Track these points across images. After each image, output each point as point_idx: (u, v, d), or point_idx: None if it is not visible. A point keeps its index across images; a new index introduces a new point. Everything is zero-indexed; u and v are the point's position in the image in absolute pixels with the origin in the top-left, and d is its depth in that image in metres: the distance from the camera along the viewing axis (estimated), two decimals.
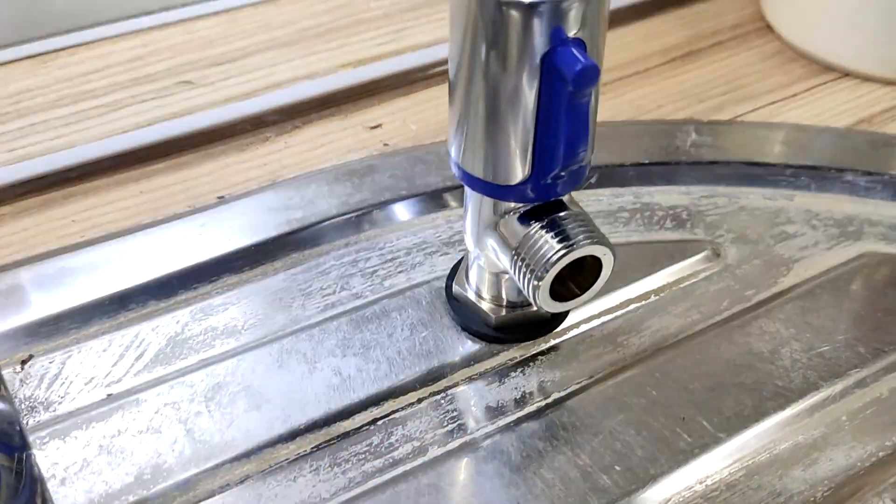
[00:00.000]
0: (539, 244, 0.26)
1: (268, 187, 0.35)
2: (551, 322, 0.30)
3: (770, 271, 0.33)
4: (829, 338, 0.30)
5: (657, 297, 0.32)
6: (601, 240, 0.26)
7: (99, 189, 0.34)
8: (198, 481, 0.26)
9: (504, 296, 0.30)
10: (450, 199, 0.35)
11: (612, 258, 0.26)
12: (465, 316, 0.30)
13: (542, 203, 0.26)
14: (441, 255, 0.33)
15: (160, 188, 0.35)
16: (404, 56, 0.40)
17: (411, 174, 0.36)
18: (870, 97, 0.40)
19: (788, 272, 0.33)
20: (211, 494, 0.26)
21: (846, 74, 0.41)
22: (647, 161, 0.36)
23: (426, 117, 0.38)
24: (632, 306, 0.32)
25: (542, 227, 0.26)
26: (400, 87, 0.39)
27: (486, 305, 0.30)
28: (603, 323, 0.31)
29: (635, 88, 0.40)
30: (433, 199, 0.35)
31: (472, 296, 0.30)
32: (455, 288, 0.31)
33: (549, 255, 0.25)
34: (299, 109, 0.38)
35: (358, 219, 0.34)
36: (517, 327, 0.30)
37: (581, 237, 0.26)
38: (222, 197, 0.35)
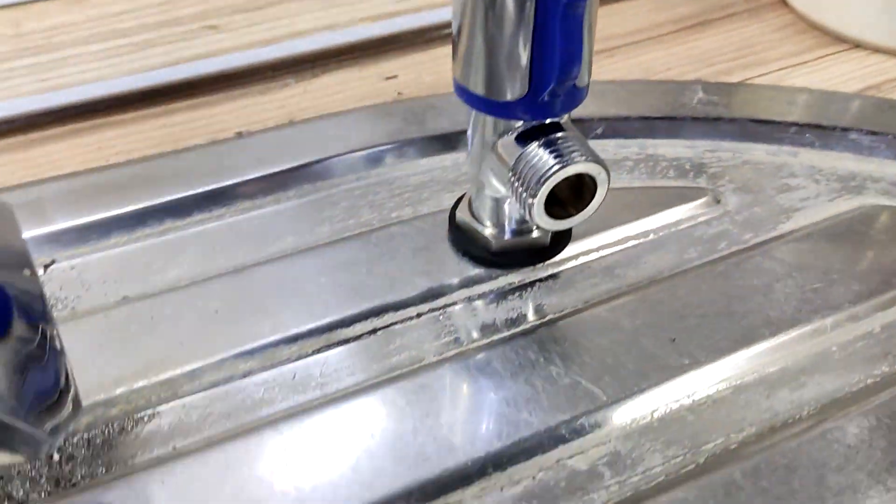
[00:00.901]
0: (534, 161, 0.27)
1: (284, 126, 0.37)
2: (550, 249, 0.31)
3: (770, 218, 0.34)
4: (824, 276, 0.31)
5: (655, 237, 0.33)
6: (596, 159, 0.27)
7: (125, 122, 0.36)
8: (203, 372, 0.27)
9: (505, 223, 0.31)
10: (459, 141, 0.36)
11: (607, 178, 0.27)
12: (466, 242, 0.31)
13: (540, 124, 0.27)
14: (447, 193, 0.34)
15: (182, 123, 0.36)
16: (423, 13, 0.42)
17: (423, 119, 0.37)
18: (878, 67, 0.40)
19: (788, 220, 0.34)
20: (214, 385, 0.27)
21: (856, 46, 0.42)
22: (653, 115, 0.37)
23: (442, 70, 0.40)
24: (630, 243, 0.32)
25: (538, 146, 0.27)
26: (418, 42, 0.41)
27: (487, 232, 0.31)
28: (601, 256, 0.32)
29: (646, 53, 0.41)
30: (443, 142, 0.36)
31: (474, 223, 0.31)
32: (458, 215, 0.32)
33: (543, 171, 0.26)
34: (319, 58, 0.39)
35: (369, 157, 0.36)
36: (516, 253, 0.31)
37: (576, 155, 0.27)
38: (240, 133, 0.36)
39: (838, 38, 0.42)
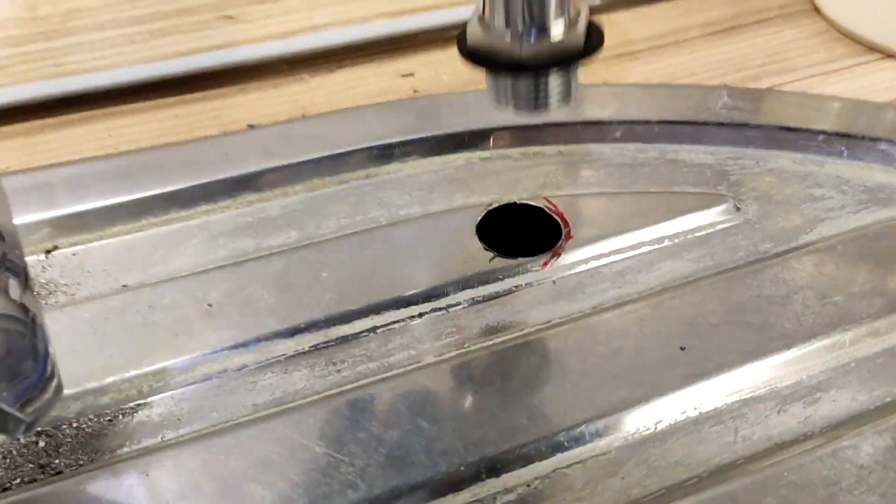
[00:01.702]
0: None
1: (296, 119, 0.36)
2: (583, 52, 0.27)
3: (792, 228, 0.32)
4: (844, 289, 0.29)
5: (671, 243, 0.32)
6: None
7: (136, 110, 0.36)
8: (196, 364, 0.27)
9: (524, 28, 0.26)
10: (473, 140, 0.35)
11: None
12: (488, 56, 0.27)
13: None
14: (458, 192, 0.34)
15: (194, 114, 0.36)
16: (443, 10, 0.41)
17: (437, 117, 0.36)
18: None
19: (811, 230, 0.32)
20: (208, 377, 0.27)
21: (889, 55, 0.40)
22: (674, 119, 0.36)
23: (459, 69, 0.39)
24: (644, 248, 0.31)
25: None
26: (436, 40, 0.40)
27: (508, 39, 0.27)
28: (612, 262, 0.31)
29: (671, 56, 0.40)
30: (456, 140, 0.35)
31: (490, 35, 0.26)
32: (469, 31, 0.27)
33: None
34: (334, 53, 0.39)
35: (380, 153, 0.35)
36: (547, 56, 0.27)
37: None
38: (252, 126, 0.36)
39: (871, 48, 0.40)
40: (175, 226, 0.32)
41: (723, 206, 0.33)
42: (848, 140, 0.35)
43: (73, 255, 0.31)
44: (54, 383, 0.21)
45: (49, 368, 0.21)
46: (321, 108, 0.37)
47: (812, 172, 0.35)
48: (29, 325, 0.21)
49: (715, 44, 0.41)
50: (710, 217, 0.33)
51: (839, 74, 0.39)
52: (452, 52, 0.40)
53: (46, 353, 0.21)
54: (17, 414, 0.20)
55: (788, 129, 0.36)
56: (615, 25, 0.43)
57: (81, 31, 0.37)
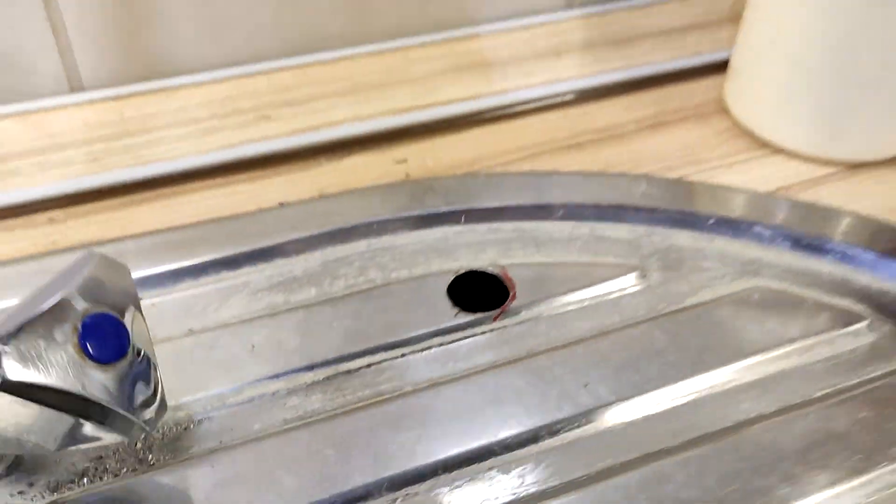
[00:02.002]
0: None
1: (316, 198, 0.48)
2: None
3: (680, 293, 0.43)
4: (704, 343, 0.41)
5: (590, 304, 0.43)
6: None
7: (193, 190, 0.47)
8: (243, 389, 0.38)
9: None
10: (448, 218, 0.47)
11: None
12: None
13: None
14: (436, 259, 0.45)
15: (238, 193, 0.47)
16: (432, 109, 0.52)
17: (422, 198, 0.47)
18: (794, 170, 0.50)
19: (695, 294, 0.43)
20: (251, 399, 0.38)
21: (779, 150, 0.51)
22: (603, 203, 0.48)
23: (441, 156, 0.50)
24: (569, 308, 0.43)
25: None
26: (424, 132, 0.52)
27: None
28: (542, 317, 0.42)
29: (608, 148, 0.52)
30: (436, 218, 0.47)
31: None
32: None
33: None
34: (346, 144, 0.50)
35: (378, 227, 0.46)
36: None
37: None
38: (282, 203, 0.47)
39: (764, 144, 0.52)
40: (225, 284, 0.43)
41: (633, 275, 0.44)
42: (731, 222, 0.47)
43: (153, 306, 0.42)
44: (160, 399, 0.33)
45: (159, 390, 0.32)
46: (335, 189, 0.48)
47: (703, 248, 0.46)
48: (146, 357, 0.32)
49: (644, 137, 0.52)
50: (622, 283, 0.44)
51: (736, 166, 0.50)
52: (435, 142, 0.52)
53: (157, 379, 0.33)
54: (141, 424, 0.31)
55: (688, 212, 0.47)
56: (568, 120, 0.54)
57: (155, 130, 0.49)
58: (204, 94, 0.52)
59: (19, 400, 0.28)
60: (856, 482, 0.35)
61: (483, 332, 0.41)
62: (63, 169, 0.47)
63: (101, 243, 0.44)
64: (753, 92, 0.52)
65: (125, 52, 0.51)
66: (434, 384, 0.39)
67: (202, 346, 0.40)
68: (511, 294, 0.43)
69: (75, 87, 0.51)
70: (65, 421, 0.30)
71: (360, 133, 0.51)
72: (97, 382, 0.29)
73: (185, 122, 0.50)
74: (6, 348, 0.28)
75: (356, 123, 0.51)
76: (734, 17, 0.61)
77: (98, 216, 0.46)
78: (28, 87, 0.49)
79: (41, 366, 0.28)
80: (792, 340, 0.41)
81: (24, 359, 0.28)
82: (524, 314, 0.42)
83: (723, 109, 0.54)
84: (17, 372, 0.28)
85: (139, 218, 0.45)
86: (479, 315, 0.42)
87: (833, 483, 0.35)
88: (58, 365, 0.29)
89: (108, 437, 0.31)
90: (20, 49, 0.48)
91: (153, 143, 0.48)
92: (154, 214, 0.46)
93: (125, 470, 0.35)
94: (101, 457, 0.36)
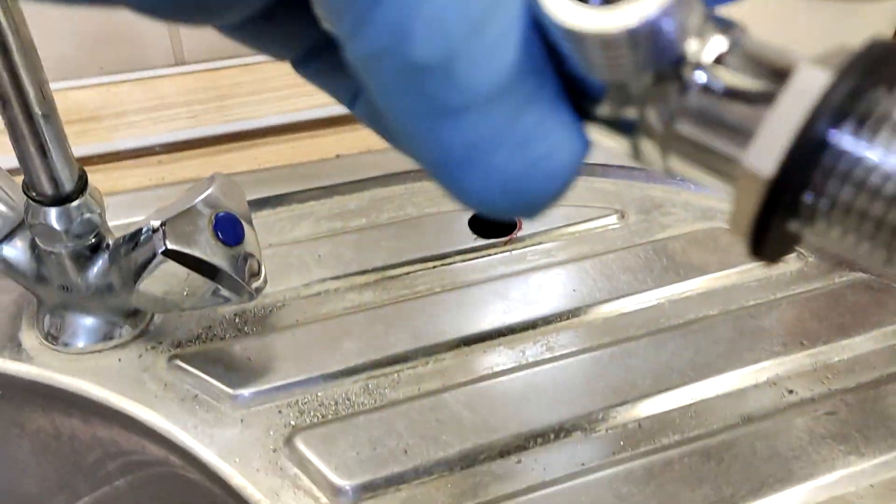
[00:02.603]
0: None
1: (365, 153, 0.60)
2: None
3: (651, 230, 0.56)
4: (671, 260, 0.53)
5: (580, 236, 0.55)
6: None
7: (271, 143, 0.60)
8: (308, 287, 0.51)
9: None
10: None
11: None
12: None
13: None
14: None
15: (304, 146, 0.60)
16: None
17: None
18: None
19: (662, 231, 0.56)
20: (318, 294, 0.50)
21: None
22: (595, 162, 0.60)
23: None
24: (564, 240, 0.55)
25: None
26: None
27: None
28: (542, 244, 0.54)
29: None
30: None
31: None
32: None
33: None
34: None
35: (414, 174, 0.59)
36: None
37: None
38: (339, 155, 0.60)
39: None
40: (296, 212, 0.56)
41: (615, 216, 0.56)
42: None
43: None
44: (264, 275, 0.45)
45: (262, 270, 0.45)
46: (380, 146, 0.61)
47: (672, 198, 0.58)
48: (254, 247, 0.45)
49: None
50: (606, 222, 0.56)
51: None
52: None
53: (261, 262, 0.45)
54: (251, 290, 0.43)
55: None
56: None
57: (241, 96, 0.61)
58: (281, 69, 0.64)
59: (175, 264, 0.41)
60: (777, 360, 0.47)
61: (496, 253, 0.54)
62: (169, 123, 0.59)
63: (197, 180, 0.57)
64: None
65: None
66: (456, 287, 0.51)
67: (280, 255, 0.52)
68: (518, 225, 0.55)
69: (179, 60, 0.64)
70: (201, 284, 0.42)
71: None
72: (225, 257, 0.42)
73: (266, 90, 0.62)
74: (165, 228, 0.40)
75: None
76: None
77: (195, 160, 0.58)
78: (143, 60, 0.62)
79: (190, 242, 0.41)
80: (735, 265, 0.53)
81: (178, 236, 0.40)
82: (528, 241, 0.54)
83: None
84: (174, 243, 0.40)
85: (227, 162, 0.58)
86: (492, 241, 0.54)
87: (756, 360, 0.47)
88: (200, 243, 0.41)
89: (231, 298, 0.44)
90: (137, 29, 0.61)
91: (239, 105, 0.61)
92: (239, 160, 0.58)
93: (227, 336, 0.48)
94: (210, 326, 0.48)
